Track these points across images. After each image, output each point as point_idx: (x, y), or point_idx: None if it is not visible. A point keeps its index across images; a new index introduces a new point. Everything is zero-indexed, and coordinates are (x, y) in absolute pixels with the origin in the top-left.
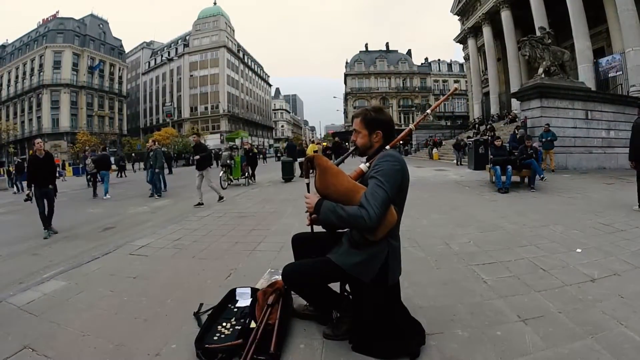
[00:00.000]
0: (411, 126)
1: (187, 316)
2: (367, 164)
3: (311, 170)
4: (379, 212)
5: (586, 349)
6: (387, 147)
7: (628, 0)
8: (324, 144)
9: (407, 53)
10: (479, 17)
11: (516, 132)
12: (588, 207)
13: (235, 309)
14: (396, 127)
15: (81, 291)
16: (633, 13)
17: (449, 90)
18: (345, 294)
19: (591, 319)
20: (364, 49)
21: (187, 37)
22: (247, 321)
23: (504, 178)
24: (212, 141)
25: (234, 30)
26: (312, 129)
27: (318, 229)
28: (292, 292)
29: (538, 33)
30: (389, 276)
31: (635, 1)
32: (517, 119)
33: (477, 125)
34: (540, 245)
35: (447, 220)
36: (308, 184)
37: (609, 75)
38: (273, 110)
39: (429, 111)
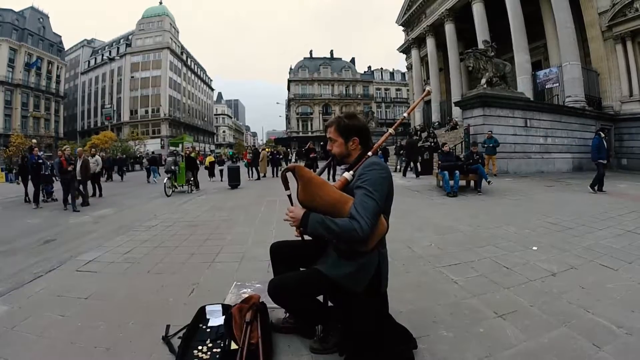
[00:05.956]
0: (390, 130)
1: (155, 341)
2: (351, 172)
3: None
4: (371, 222)
5: (563, 336)
6: (369, 153)
7: (567, 19)
8: (267, 149)
9: (350, 61)
10: (424, 28)
11: (602, 134)
12: (534, 208)
13: (209, 329)
14: None
15: (27, 317)
16: (571, 30)
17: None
18: (330, 305)
19: (561, 309)
20: (309, 56)
21: (130, 37)
22: (226, 343)
23: (452, 182)
24: (152, 146)
25: (178, 32)
26: (254, 134)
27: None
28: (269, 306)
29: (481, 46)
30: (382, 283)
31: (573, 19)
32: (457, 126)
33: (419, 132)
34: (499, 245)
35: (404, 224)
36: (290, 196)
37: (546, 87)
38: (215, 115)
39: (405, 114)
